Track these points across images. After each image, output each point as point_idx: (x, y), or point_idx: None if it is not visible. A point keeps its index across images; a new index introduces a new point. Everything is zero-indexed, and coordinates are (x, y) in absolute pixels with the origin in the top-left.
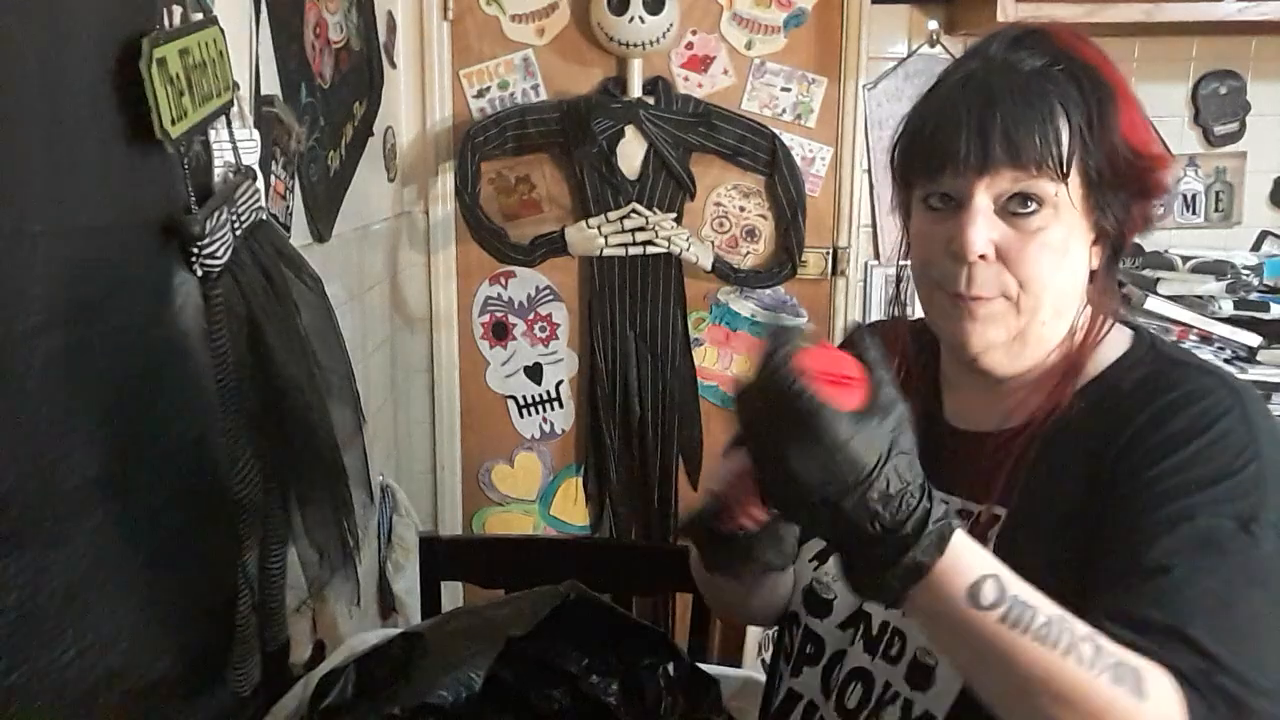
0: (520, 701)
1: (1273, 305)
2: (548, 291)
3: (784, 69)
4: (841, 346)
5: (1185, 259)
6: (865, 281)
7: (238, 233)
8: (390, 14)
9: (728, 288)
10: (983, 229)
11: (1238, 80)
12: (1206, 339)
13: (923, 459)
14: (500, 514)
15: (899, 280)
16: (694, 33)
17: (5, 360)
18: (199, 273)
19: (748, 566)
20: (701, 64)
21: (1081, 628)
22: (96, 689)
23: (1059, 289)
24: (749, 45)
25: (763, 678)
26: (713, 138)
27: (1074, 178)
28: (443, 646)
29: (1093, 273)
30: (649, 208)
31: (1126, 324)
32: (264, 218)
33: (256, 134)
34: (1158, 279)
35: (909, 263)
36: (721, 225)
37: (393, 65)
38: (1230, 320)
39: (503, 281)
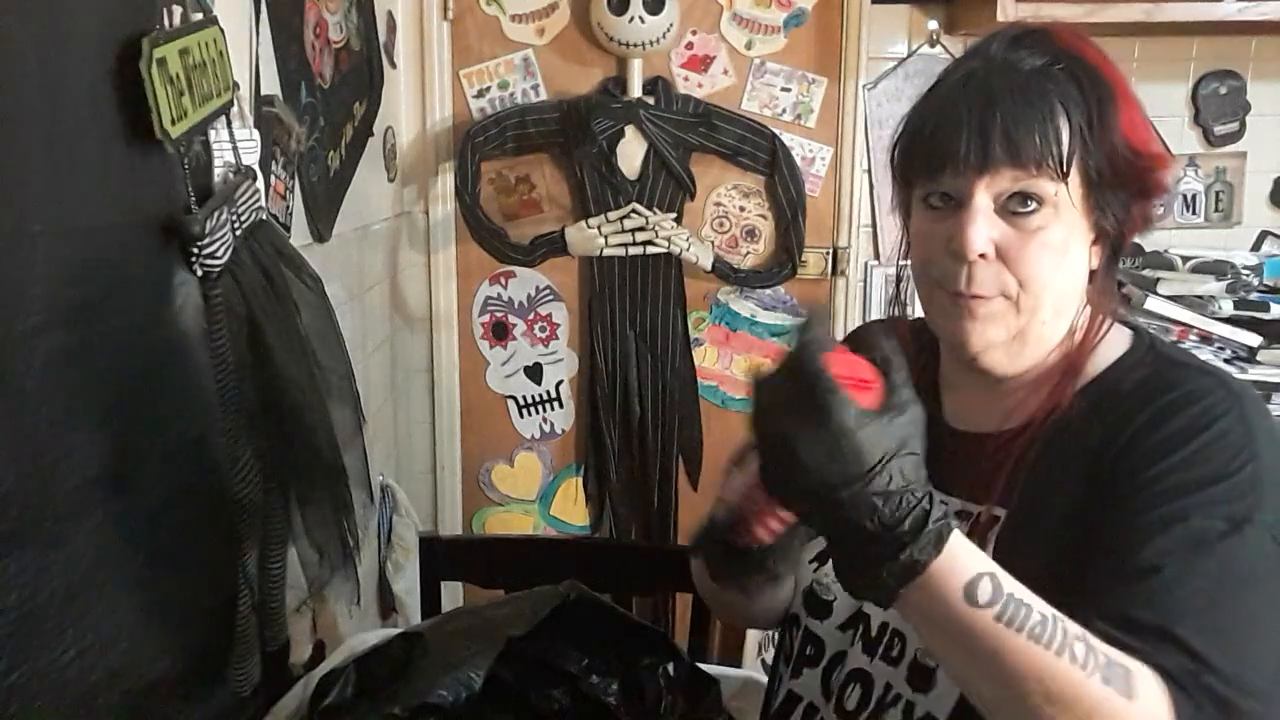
0: (520, 701)
1: (1273, 305)
2: (548, 291)
3: (784, 69)
4: (856, 348)
5: (1185, 259)
6: (865, 281)
7: (238, 233)
8: (390, 14)
9: (728, 288)
10: (983, 228)
11: (1238, 80)
12: (1206, 339)
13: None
14: (500, 514)
15: (899, 280)
16: (694, 33)
17: (5, 360)
18: (199, 273)
19: (758, 579)
20: (701, 64)
21: (1074, 627)
22: (96, 689)
23: (1059, 288)
24: (749, 45)
25: (763, 678)
26: (713, 138)
27: (1074, 177)
28: (443, 646)
29: (1092, 272)
30: (649, 208)
31: (1126, 324)
32: (264, 218)
33: (256, 134)
34: (1158, 279)
35: (909, 262)
36: (721, 225)
37: (393, 65)
38: (1230, 320)
39: (503, 281)
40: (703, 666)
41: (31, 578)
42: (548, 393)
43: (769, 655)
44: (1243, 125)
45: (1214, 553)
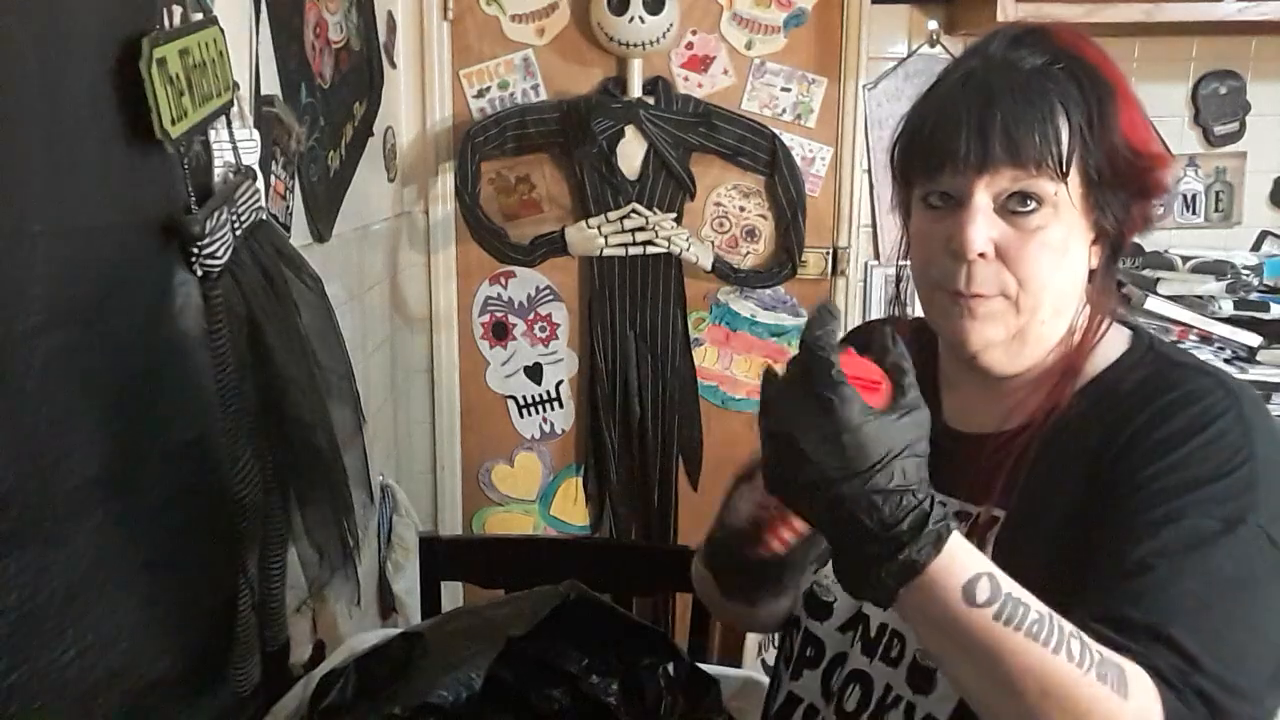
0: (520, 701)
1: (1273, 305)
2: (548, 291)
3: (784, 69)
4: (860, 347)
5: (1185, 259)
6: (865, 281)
7: (238, 233)
8: (390, 14)
9: (728, 288)
10: (982, 227)
11: (1238, 80)
12: (1206, 339)
13: None
14: (500, 514)
15: (899, 280)
16: (694, 33)
17: (5, 360)
18: (199, 273)
19: (767, 592)
20: (701, 64)
21: (1070, 626)
22: (96, 689)
23: (1058, 288)
24: (749, 45)
25: (763, 678)
26: (713, 138)
27: (1074, 177)
28: (443, 646)
29: (1092, 272)
30: (649, 208)
31: (1125, 324)
32: (264, 218)
33: (256, 134)
34: (1158, 279)
35: (909, 262)
36: (721, 225)
37: (393, 65)
38: (1230, 320)
39: (503, 281)
40: (703, 666)
41: (31, 578)
42: (548, 393)
43: (769, 655)
44: (1243, 125)
45: (1208, 553)
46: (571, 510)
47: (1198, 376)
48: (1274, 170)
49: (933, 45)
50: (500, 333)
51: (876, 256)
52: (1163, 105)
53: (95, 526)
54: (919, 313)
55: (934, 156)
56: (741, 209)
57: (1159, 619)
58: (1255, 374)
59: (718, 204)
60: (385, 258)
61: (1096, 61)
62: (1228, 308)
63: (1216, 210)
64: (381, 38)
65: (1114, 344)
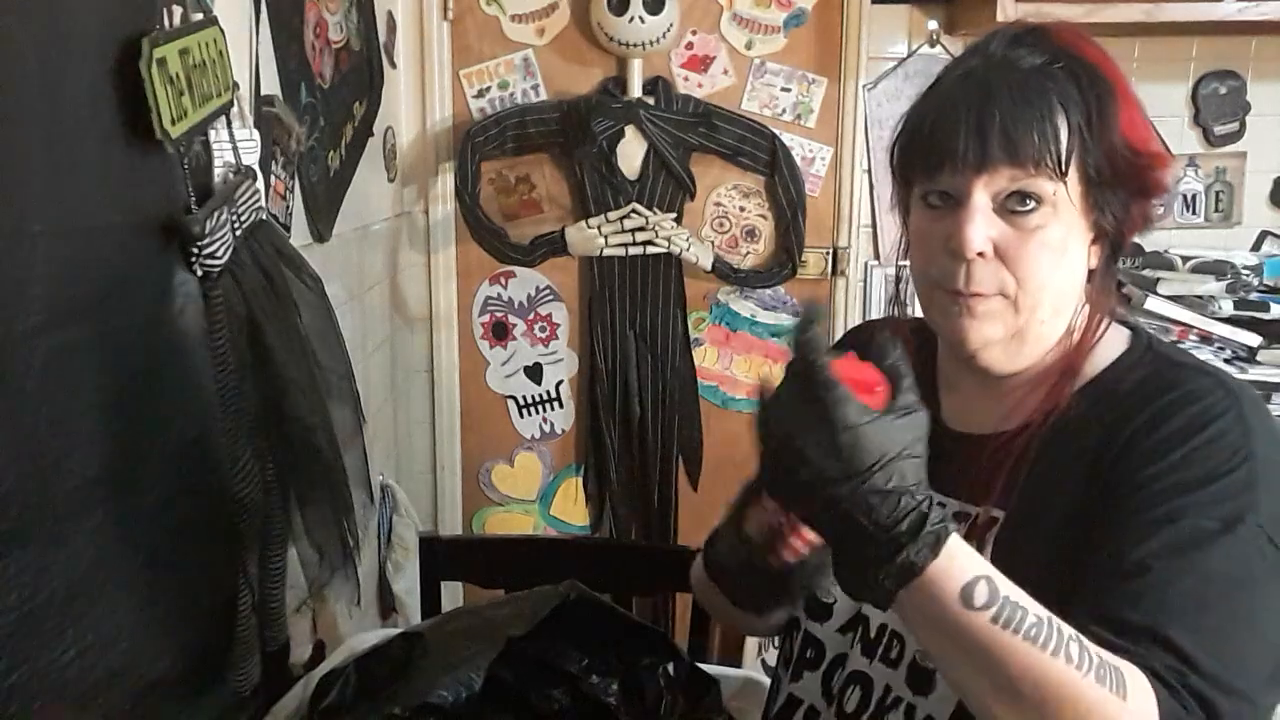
0: (520, 701)
1: (1273, 305)
2: (548, 291)
3: (784, 69)
4: (856, 347)
5: (1185, 259)
6: (865, 281)
7: (238, 233)
8: (390, 14)
9: (728, 288)
10: (981, 226)
11: (1238, 80)
12: (1206, 339)
13: None
14: (500, 514)
15: (898, 279)
16: (694, 33)
17: (5, 360)
18: (199, 273)
19: (781, 602)
20: (701, 64)
21: (1068, 629)
22: (96, 689)
23: (1057, 288)
24: (749, 45)
25: (763, 678)
26: (713, 138)
27: (1073, 176)
28: (443, 646)
29: (1091, 272)
30: (649, 208)
31: (1124, 323)
32: (264, 218)
33: (256, 134)
34: (1158, 279)
35: (908, 262)
36: (721, 225)
37: (393, 65)
38: (1230, 320)
39: (503, 281)
40: (703, 666)
41: (31, 578)
42: (548, 393)
43: (769, 655)
44: (1243, 125)
45: (1206, 553)
46: (571, 510)
47: (1197, 376)
48: (1274, 170)
49: (933, 45)
50: (500, 333)
51: (876, 256)
52: (1163, 105)
53: (95, 526)
54: (919, 313)
55: (933, 156)
56: (741, 209)
57: (1157, 620)
58: (1255, 374)
59: (718, 204)
60: (385, 258)
61: (1096, 61)
62: (1228, 308)
63: (1216, 210)
64: (381, 38)
65: (1113, 344)
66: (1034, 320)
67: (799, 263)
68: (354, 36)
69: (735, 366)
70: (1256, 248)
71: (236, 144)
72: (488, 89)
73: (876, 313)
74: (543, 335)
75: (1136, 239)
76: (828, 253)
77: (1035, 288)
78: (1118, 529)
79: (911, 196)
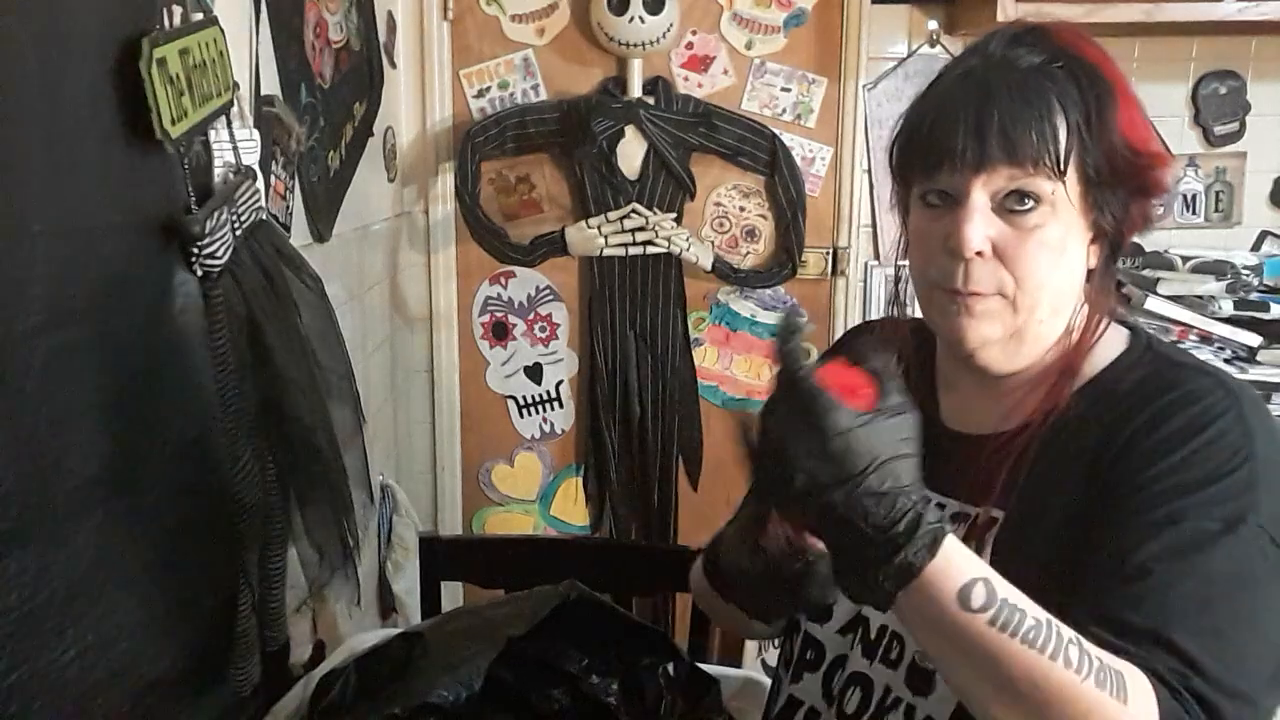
0: (520, 701)
1: (1273, 305)
2: (548, 291)
3: (784, 69)
4: (846, 354)
5: (1185, 259)
6: (865, 281)
7: (238, 233)
8: (390, 14)
9: (728, 288)
10: (979, 226)
11: (1238, 80)
12: (1206, 339)
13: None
14: (500, 514)
15: (897, 279)
16: (694, 33)
17: (5, 360)
18: (199, 273)
19: (796, 611)
20: (701, 64)
21: (1068, 631)
22: (96, 689)
23: (1056, 287)
24: (749, 45)
25: (763, 678)
26: (713, 138)
27: (1072, 176)
28: (443, 646)
29: (1090, 271)
30: (649, 208)
31: (1123, 323)
32: (264, 218)
33: (256, 134)
34: (1158, 279)
35: (907, 262)
36: (721, 225)
37: (393, 65)
38: (1230, 320)
39: (503, 281)
40: (703, 666)
41: (31, 578)
42: (548, 393)
43: (769, 656)
44: (1243, 125)
45: (1208, 554)
46: (571, 510)
47: (1197, 376)
48: (1274, 170)
49: (933, 45)
50: (500, 333)
51: (876, 256)
52: (1163, 105)
53: (95, 526)
54: (918, 313)
55: (932, 155)
56: (741, 209)
57: (1159, 622)
58: (1255, 374)
59: (718, 204)
60: (385, 258)
61: (1096, 60)
62: (1228, 308)
63: (1216, 210)
64: (381, 38)
65: (1112, 344)
66: (1032, 320)
67: (799, 263)
68: (354, 36)
69: (735, 366)
70: (1256, 248)
71: (236, 144)
72: (488, 89)
73: (876, 313)
74: (543, 335)
75: (1136, 239)
76: (828, 253)
77: (1034, 287)
78: (1119, 530)
79: (910, 196)
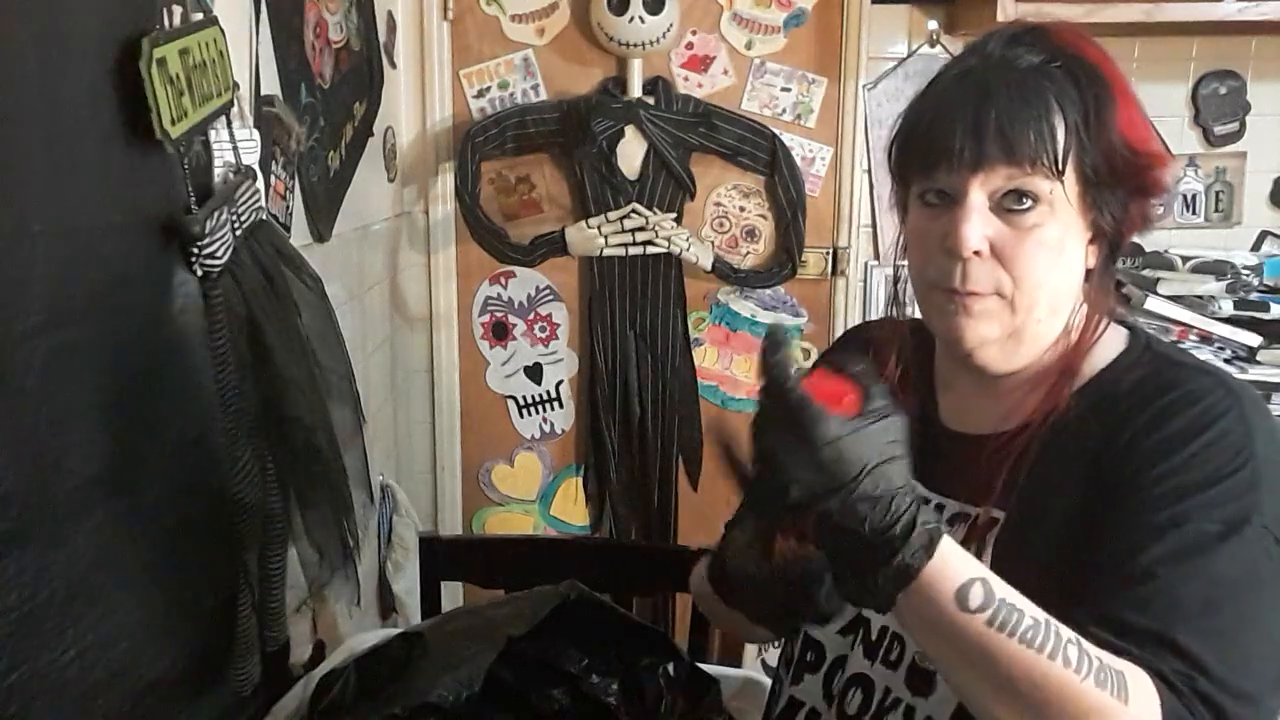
0: (520, 701)
1: (1273, 305)
2: (548, 291)
3: (784, 69)
4: (826, 365)
5: (1185, 259)
6: (865, 281)
7: (238, 233)
8: (390, 14)
9: (728, 288)
10: (977, 225)
11: (1238, 80)
12: (1206, 339)
13: (919, 461)
14: (500, 514)
15: (896, 279)
16: (694, 33)
17: (5, 360)
18: (199, 273)
19: (806, 621)
20: (701, 64)
21: (1066, 631)
22: (96, 689)
23: (1054, 287)
24: (749, 45)
25: (763, 678)
26: (713, 138)
27: (1070, 175)
28: (443, 646)
29: (1089, 271)
30: (649, 208)
31: (1122, 323)
32: (264, 218)
33: (256, 134)
34: (1158, 279)
35: (906, 262)
36: (721, 225)
37: (393, 65)
38: (1230, 320)
39: (503, 281)
40: (703, 666)
41: (31, 578)
42: (548, 393)
43: (769, 656)
44: (1243, 125)
45: (1212, 556)
46: (571, 510)
47: (1198, 376)
48: (1274, 170)
49: (933, 45)
50: (500, 333)
51: (876, 256)
52: (1163, 105)
53: (95, 526)
54: (918, 313)
55: (930, 154)
56: (741, 209)
57: (1165, 624)
58: (1255, 374)
59: (718, 204)
60: (385, 258)
61: (1095, 60)
62: (1228, 308)
63: (1216, 210)
64: (381, 38)
65: (1111, 344)
66: (1030, 320)
67: (799, 263)
68: (354, 36)
69: (735, 366)
70: (1256, 248)
71: (236, 144)
72: (488, 89)
73: (876, 313)
74: (543, 335)
75: (1136, 239)
76: (828, 253)
77: (1031, 287)
78: (1122, 532)
79: (909, 196)
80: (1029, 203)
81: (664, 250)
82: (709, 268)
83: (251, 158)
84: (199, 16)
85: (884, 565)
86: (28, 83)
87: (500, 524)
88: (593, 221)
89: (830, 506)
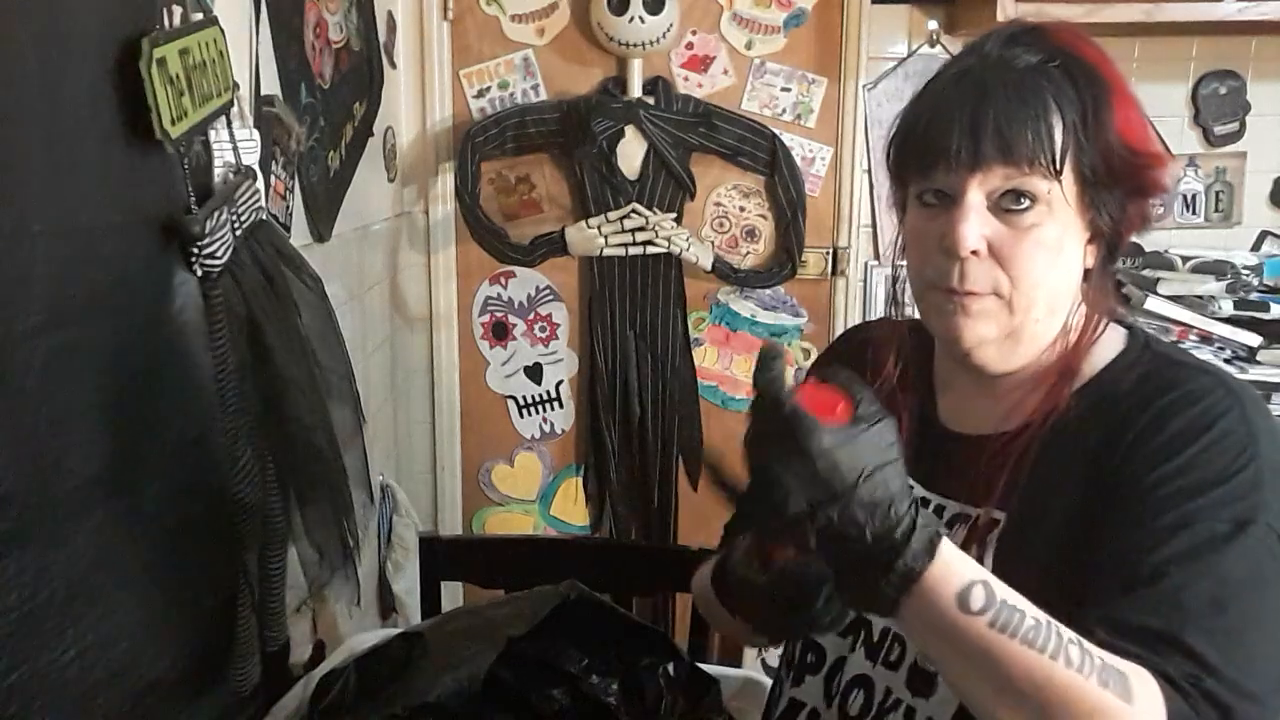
0: (520, 701)
1: (1273, 305)
2: (548, 291)
3: (784, 69)
4: (822, 359)
5: (1185, 259)
6: (865, 281)
7: (238, 233)
8: (390, 14)
9: (728, 288)
10: (975, 225)
11: (1238, 80)
12: (1206, 339)
13: (918, 462)
14: (500, 514)
15: (894, 280)
16: (694, 33)
17: (5, 360)
18: (199, 273)
19: (813, 631)
20: (701, 64)
21: (1068, 632)
22: (96, 689)
23: (1052, 287)
24: (749, 45)
25: (763, 678)
26: (713, 138)
27: (1068, 175)
28: (443, 646)
29: (1087, 271)
30: (649, 208)
31: (1120, 323)
32: (264, 218)
33: (256, 134)
34: (1158, 279)
35: (905, 262)
36: (721, 225)
37: (393, 65)
38: (1230, 320)
39: (503, 281)
40: (703, 666)
41: (31, 578)
42: (548, 393)
43: (769, 656)
44: (1243, 125)
45: (1219, 556)
46: (571, 510)
47: (1198, 375)
48: (1274, 170)
49: (933, 45)
50: (500, 333)
51: (876, 256)
52: (1163, 105)
53: (95, 526)
54: (917, 313)
55: (927, 154)
56: (741, 209)
57: (1172, 626)
58: (1255, 374)
59: (718, 204)
60: (385, 258)
61: (1093, 60)
62: (1228, 308)
63: (1216, 210)
64: (381, 38)
65: (1110, 344)
66: (1028, 320)
67: (799, 263)
68: (354, 36)
69: (735, 366)
70: (1256, 248)
71: (236, 144)
72: (488, 89)
73: (876, 313)
74: (543, 335)
75: (1135, 239)
76: (828, 253)
77: (1029, 287)
78: (1126, 533)
79: (907, 196)
80: (1027, 203)
81: (664, 250)
82: (709, 268)
83: (251, 158)
84: (199, 16)
85: (887, 570)
86: (28, 83)
87: (500, 524)
88: (593, 221)
89: (831, 516)
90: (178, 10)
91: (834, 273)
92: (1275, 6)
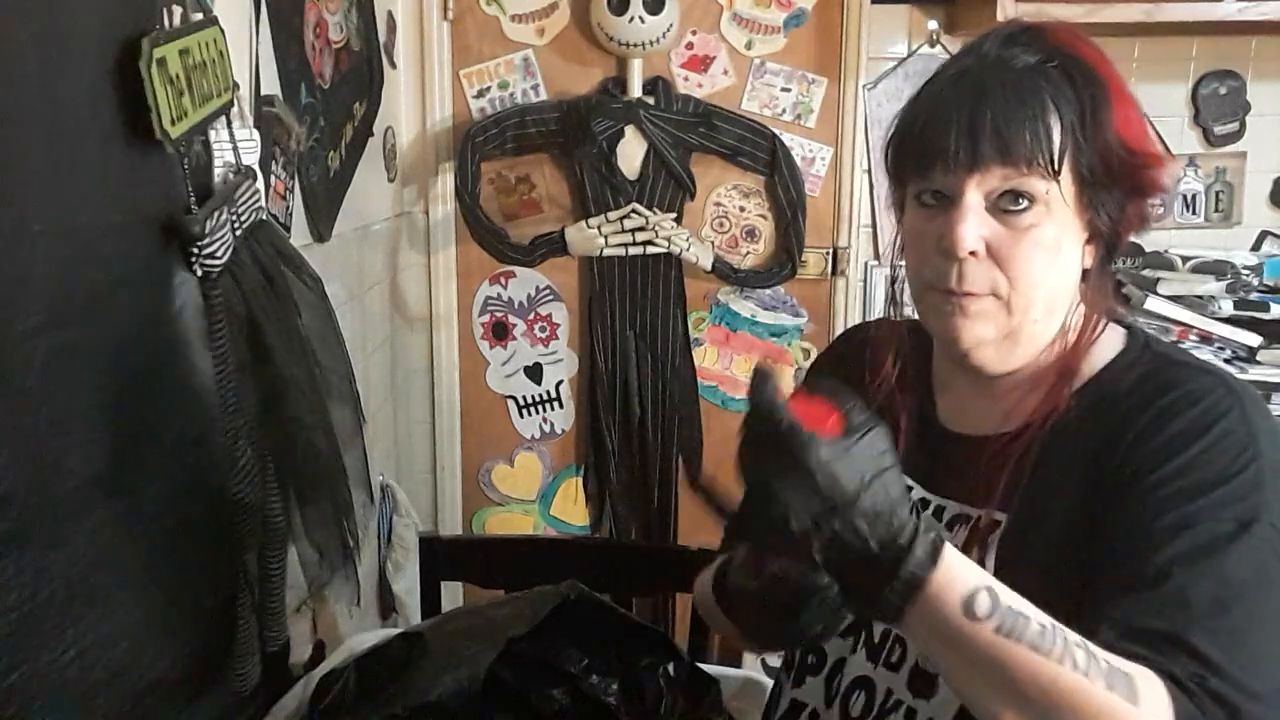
0: (520, 701)
1: (1273, 305)
2: (548, 291)
3: (784, 69)
4: (818, 364)
5: (1185, 259)
6: (865, 281)
7: (238, 233)
8: (390, 14)
9: (728, 288)
10: (973, 225)
11: (1238, 80)
12: (1206, 339)
13: (918, 463)
14: (500, 514)
15: (893, 280)
16: (694, 33)
17: (5, 360)
18: (199, 273)
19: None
20: (701, 64)
21: (1073, 635)
22: (96, 689)
23: (1050, 287)
24: (749, 45)
25: (763, 678)
26: (713, 138)
27: (1066, 175)
28: (443, 646)
29: (1086, 271)
30: (649, 208)
31: (1119, 323)
32: (264, 218)
33: (256, 134)
34: (1158, 279)
35: (904, 263)
36: (721, 225)
37: (393, 65)
38: (1230, 320)
39: (503, 281)
40: (703, 666)
41: (31, 578)
42: (548, 393)
43: (770, 656)
44: (1243, 125)
45: (1222, 556)
46: (571, 510)
47: (1198, 375)
48: (1274, 170)
49: (933, 45)
50: (500, 333)
51: (876, 256)
52: (1163, 105)
53: (95, 526)
54: (916, 314)
55: (925, 155)
56: (741, 209)
57: (1178, 626)
58: (1255, 374)
59: (718, 204)
60: (385, 258)
61: (1092, 60)
62: (1228, 308)
63: (1216, 210)
64: (381, 38)
65: (1109, 343)
66: (1027, 320)
67: (799, 263)
68: (354, 36)
69: (735, 366)
70: (1256, 248)
71: (236, 144)
72: (488, 89)
73: (876, 313)
74: (543, 335)
75: (1134, 239)
76: (828, 253)
77: (1028, 287)
78: (1128, 534)
79: (905, 196)
80: (1025, 203)
81: (664, 250)
82: (709, 268)
83: (251, 158)
84: (199, 16)
85: (891, 578)
86: (28, 83)
87: (500, 524)
88: (593, 221)
89: (833, 527)
90: (178, 10)
91: (834, 273)
92: (1275, 6)
